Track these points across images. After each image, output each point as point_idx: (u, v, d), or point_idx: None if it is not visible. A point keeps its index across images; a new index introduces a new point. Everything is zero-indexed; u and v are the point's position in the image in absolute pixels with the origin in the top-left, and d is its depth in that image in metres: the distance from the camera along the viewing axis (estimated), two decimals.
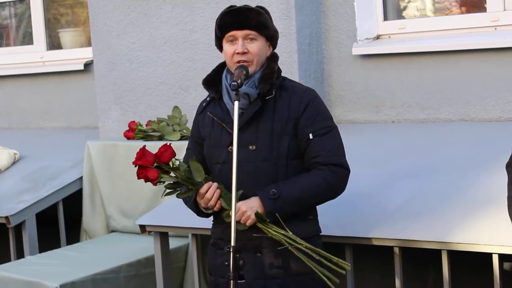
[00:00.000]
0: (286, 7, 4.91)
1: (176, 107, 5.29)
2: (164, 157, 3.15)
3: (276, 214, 3.14)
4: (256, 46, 3.23)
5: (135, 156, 3.15)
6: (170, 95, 5.50)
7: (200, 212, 3.34)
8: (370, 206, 3.82)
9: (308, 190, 3.20)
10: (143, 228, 4.39)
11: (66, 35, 6.80)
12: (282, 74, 3.36)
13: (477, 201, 3.63)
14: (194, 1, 5.32)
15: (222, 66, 3.35)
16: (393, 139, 4.67)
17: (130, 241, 5.08)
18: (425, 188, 3.89)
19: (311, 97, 3.29)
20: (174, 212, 4.25)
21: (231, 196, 3.06)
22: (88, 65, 6.39)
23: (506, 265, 4.42)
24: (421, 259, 4.31)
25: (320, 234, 3.36)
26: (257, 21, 3.23)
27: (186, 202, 3.37)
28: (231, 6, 3.31)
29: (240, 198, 3.16)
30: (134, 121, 5.41)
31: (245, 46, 3.22)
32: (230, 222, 3.08)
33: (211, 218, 3.38)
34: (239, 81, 3.10)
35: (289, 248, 3.14)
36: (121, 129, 5.56)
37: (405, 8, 5.20)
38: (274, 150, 3.22)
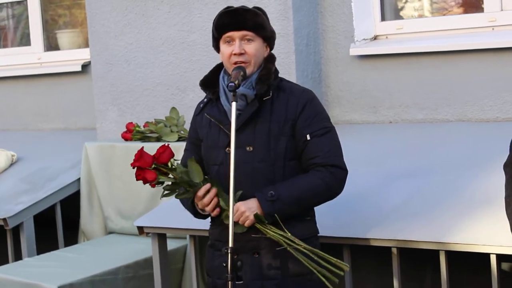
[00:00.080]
0: (283, 7, 4.91)
1: (173, 108, 5.29)
2: (162, 158, 3.15)
3: (275, 215, 3.14)
4: (253, 47, 3.23)
5: (133, 157, 3.15)
6: (167, 96, 5.50)
7: (197, 213, 3.34)
8: (368, 207, 3.83)
9: (306, 191, 3.20)
10: (141, 229, 4.38)
11: (63, 36, 6.79)
12: (280, 75, 3.36)
13: (474, 201, 3.63)
14: (192, 2, 5.32)
15: (220, 67, 3.35)
16: (391, 140, 4.67)
17: (128, 243, 5.08)
18: (423, 188, 3.89)
19: (309, 98, 3.29)
20: (172, 214, 4.25)
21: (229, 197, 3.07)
22: (85, 66, 6.39)
23: (505, 265, 4.43)
24: (419, 259, 4.31)
25: (318, 235, 3.36)
26: (254, 22, 3.23)
27: (183, 203, 3.37)
28: (228, 7, 3.31)
29: (239, 199, 3.16)
30: (131, 122, 5.41)
31: (242, 47, 3.22)
32: (228, 224, 3.09)
33: (209, 219, 3.38)
34: (236, 82, 3.10)
35: (288, 248, 3.14)
36: (119, 130, 5.56)
37: (402, 8, 5.20)
38: (272, 151, 3.22)
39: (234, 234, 3.07)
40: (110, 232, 5.44)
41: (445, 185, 3.87)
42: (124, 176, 5.15)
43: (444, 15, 5.04)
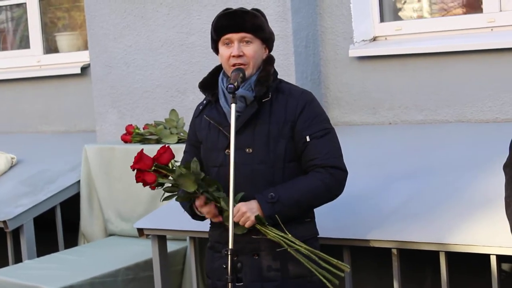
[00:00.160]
0: (282, 9, 4.91)
1: (173, 110, 5.29)
2: (163, 159, 3.15)
3: (276, 216, 3.14)
4: (252, 49, 3.23)
5: (133, 159, 3.15)
6: (167, 98, 5.50)
7: (195, 215, 3.34)
8: (368, 208, 3.82)
9: (306, 193, 3.19)
10: (141, 231, 4.38)
11: (63, 39, 6.80)
12: (279, 77, 3.36)
13: (474, 202, 3.63)
14: (191, 4, 5.33)
15: (218, 69, 3.35)
16: (390, 141, 4.67)
17: (128, 245, 5.08)
18: (423, 190, 3.89)
19: (308, 99, 3.29)
20: (172, 215, 4.24)
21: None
22: (85, 69, 6.39)
23: (505, 266, 4.43)
24: (419, 261, 4.31)
25: (318, 236, 3.36)
26: (253, 24, 3.23)
27: (182, 204, 3.37)
28: (227, 9, 3.31)
29: (240, 201, 3.16)
30: (131, 125, 5.41)
31: (241, 49, 3.22)
32: (227, 225, 3.09)
33: (208, 221, 3.38)
34: (235, 84, 3.10)
35: (289, 250, 3.14)
36: (119, 133, 5.56)
37: (401, 9, 5.20)
38: (271, 152, 3.22)
39: (234, 235, 3.07)
40: (110, 234, 5.44)
41: (445, 186, 3.87)
42: (124, 178, 5.15)
43: (443, 16, 5.04)
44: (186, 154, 3.45)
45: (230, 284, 3.04)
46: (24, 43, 7.03)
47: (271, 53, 3.35)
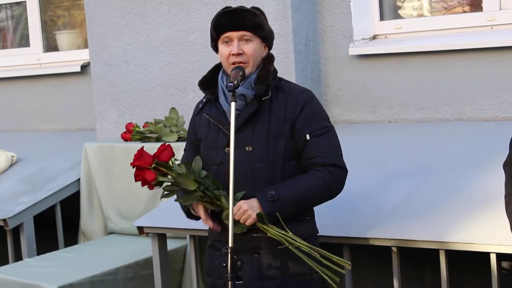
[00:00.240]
0: (282, 7, 4.91)
1: (173, 108, 5.29)
2: (163, 156, 3.14)
3: (277, 214, 3.14)
4: (252, 47, 3.23)
5: (133, 157, 3.15)
6: (167, 96, 5.50)
7: (190, 214, 3.35)
8: (367, 206, 3.83)
9: (306, 191, 3.20)
10: (141, 229, 4.39)
11: (62, 37, 6.79)
12: (279, 75, 3.36)
13: (474, 201, 3.63)
14: (191, 2, 5.32)
15: (218, 67, 3.35)
16: (390, 139, 4.67)
17: (128, 243, 5.08)
18: (422, 188, 3.89)
19: (308, 97, 3.29)
20: (172, 214, 4.24)
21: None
22: (85, 67, 6.39)
23: (504, 264, 4.43)
24: (419, 259, 4.31)
25: (318, 234, 3.36)
26: (252, 22, 3.23)
27: (180, 204, 3.37)
28: (226, 7, 3.31)
29: (240, 199, 3.17)
30: (131, 123, 5.41)
31: (240, 47, 3.22)
32: (227, 224, 3.09)
33: None
34: (235, 82, 3.10)
35: (290, 247, 3.14)
36: (118, 131, 5.56)
37: (401, 8, 5.20)
38: (271, 151, 3.22)
39: (234, 234, 3.07)
40: (110, 233, 5.44)
41: (444, 184, 3.87)
42: (124, 176, 5.15)
43: (443, 14, 5.04)
44: (186, 152, 3.45)
45: (230, 282, 3.05)
46: (24, 41, 7.03)
47: (271, 51, 3.35)
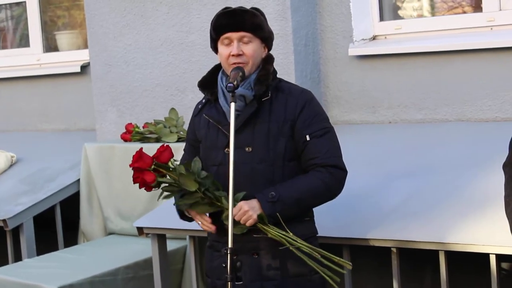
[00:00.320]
0: (282, 8, 4.91)
1: (173, 109, 5.29)
2: (163, 157, 3.14)
3: (278, 215, 3.14)
4: (251, 48, 3.23)
5: (132, 158, 3.14)
6: (166, 97, 5.50)
7: (183, 215, 3.35)
8: (367, 207, 3.83)
9: (306, 192, 3.20)
10: (140, 230, 4.39)
11: (62, 38, 6.79)
12: (279, 75, 3.36)
13: (474, 201, 3.63)
14: (191, 2, 5.32)
15: (218, 68, 3.35)
16: (390, 140, 4.67)
17: (128, 243, 5.08)
18: (422, 188, 3.89)
19: (308, 98, 3.29)
20: (171, 214, 4.21)
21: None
22: (84, 67, 6.39)
23: (504, 265, 4.43)
24: (419, 260, 4.31)
25: (317, 235, 3.36)
26: (252, 23, 3.23)
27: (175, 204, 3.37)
28: (226, 8, 3.31)
29: (241, 200, 3.17)
30: (131, 123, 5.41)
31: (240, 48, 3.22)
32: (227, 225, 3.09)
33: None
34: (235, 83, 3.10)
35: (290, 248, 3.14)
36: (118, 131, 5.56)
37: (401, 8, 5.20)
38: (271, 151, 3.22)
39: (234, 234, 3.07)
40: (110, 233, 5.44)
41: (444, 185, 3.87)
42: (124, 176, 5.14)
43: (443, 15, 5.04)
44: (185, 153, 3.45)
45: (229, 283, 3.04)
46: (24, 41, 7.03)
47: (271, 52, 3.35)
